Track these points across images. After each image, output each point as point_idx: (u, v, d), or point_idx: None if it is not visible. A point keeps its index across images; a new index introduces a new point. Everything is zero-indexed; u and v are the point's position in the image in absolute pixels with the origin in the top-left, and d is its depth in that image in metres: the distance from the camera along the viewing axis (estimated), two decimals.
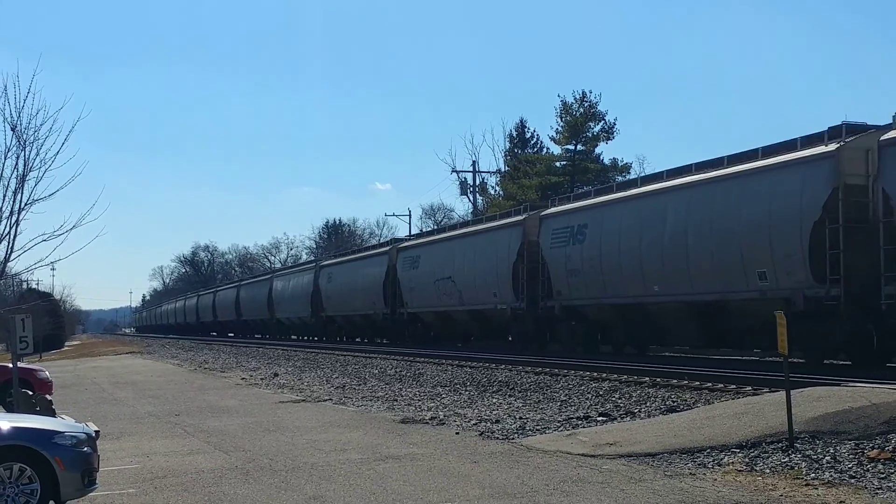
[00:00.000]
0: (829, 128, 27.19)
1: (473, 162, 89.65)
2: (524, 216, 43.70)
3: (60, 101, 38.73)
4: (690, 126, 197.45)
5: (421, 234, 64.42)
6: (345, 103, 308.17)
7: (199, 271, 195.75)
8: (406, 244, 59.40)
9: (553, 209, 41.55)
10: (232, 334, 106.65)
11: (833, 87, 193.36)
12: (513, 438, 17.00)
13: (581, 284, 37.38)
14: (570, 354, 35.85)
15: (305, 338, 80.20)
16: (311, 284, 73.88)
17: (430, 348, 46.59)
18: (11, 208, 18.93)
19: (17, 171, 19.25)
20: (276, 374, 37.14)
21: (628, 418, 18.80)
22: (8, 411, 18.68)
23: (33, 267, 25.85)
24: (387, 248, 61.97)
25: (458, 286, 48.23)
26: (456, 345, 50.93)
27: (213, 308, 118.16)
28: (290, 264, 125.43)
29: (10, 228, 18.79)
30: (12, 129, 19.30)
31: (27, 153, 19.49)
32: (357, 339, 69.39)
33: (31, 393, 21.95)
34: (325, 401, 25.90)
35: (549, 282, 39.77)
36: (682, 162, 33.04)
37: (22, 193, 19.36)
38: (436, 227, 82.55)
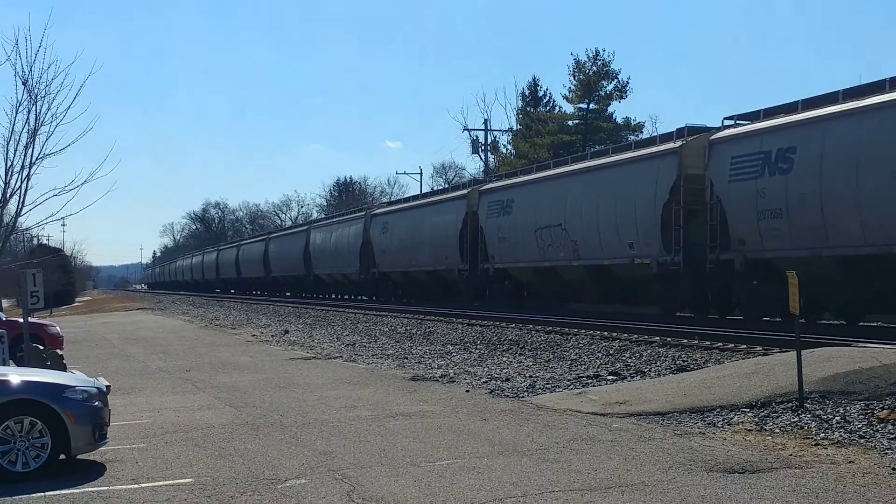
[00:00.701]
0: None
1: (485, 120, 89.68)
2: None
3: (72, 56, 38.68)
4: (703, 85, 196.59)
5: (509, 174, 52.87)
6: (357, 61, 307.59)
7: (209, 228, 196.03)
8: (491, 185, 49.20)
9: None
10: (257, 292, 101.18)
11: (848, 42, 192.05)
12: (523, 397, 17.02)
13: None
14: (545, 313, 37.46)
15: (351, 297, 71.64)
16: (360, 236, 64.81)
17: (528, 312, 37.73)
18: (23, 162, 18.90)
19: (29, 126, 19.23)
20: (286, 332, 37.22)
21: (638, 377, 18.81)
22: (19, 366, 18.73)
23: (44, 222, 25.96)
24: (464, 191, 52.27)
25: (573, 236, 38.76)
26: (566, 307, 41.55)
27: (236, 263, 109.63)
28: (325, 216, 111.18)
29: (22, 183, 18.82)
30: (24, 84, 19.28)
31: (38, 108, 19.46)
32: (415, 300, 56.61)
33: (41, 348, 22.03)
34: (336, 358, 25.95)
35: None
36: (694, 121, 34.09)
37: (33, 148, 19.34)
38: (403, 197, 77.05)
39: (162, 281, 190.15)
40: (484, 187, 49.33)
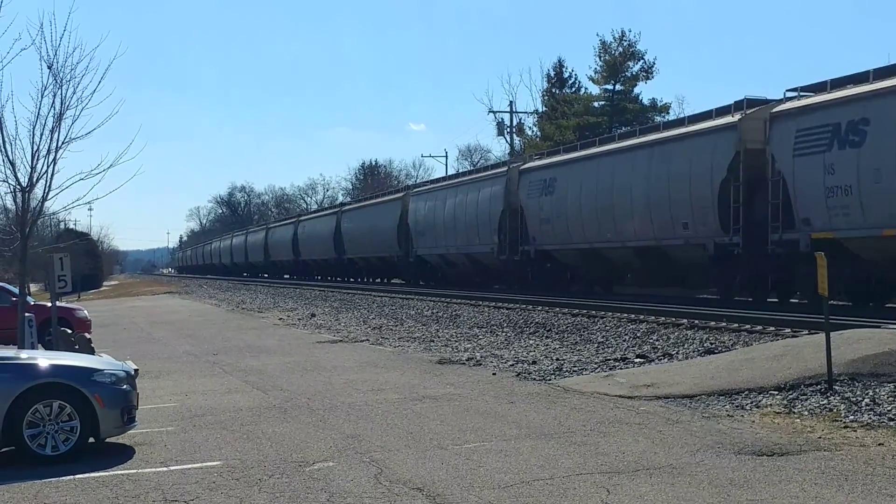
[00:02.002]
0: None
1: (510, 102, 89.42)
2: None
3: (97, 39, 38.76)
4: (731, 66, 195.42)
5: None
6: (381, 42, 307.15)
7: (235, 212, 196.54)
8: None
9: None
10: (287, 276, 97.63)
11: (876, 24, 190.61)
12: (549, 380, 17.00)
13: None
14: (595, 296, 37.55)
15: (386, 280, 70.58)
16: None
17: (568, 296, 37.47)
18: (49, 147, 18.85)
19: (55, 110, 19.13)
20: (313, 315, 37.31)
21: (665, 360, 18.77)
22: (47, 349, 18.85)
23: (71, 206, 26.09)
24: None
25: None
26: (609, 290, 40.86)
27: (265, 247, 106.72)
28: (354, 198, 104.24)
29: (48, 167, 18.74)
30: (49, 67, 19.18)
31: (64, 91, 19.36)
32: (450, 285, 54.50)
33: (70, 331, 22.17)
34: (362, 341, 26.00)
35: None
36: (721, 102, 33.86)
37: (59, 132, 19.28)
38: (444, 176, 72.23)
39: (190, 265, 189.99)
40: (524, 166, 46.57)
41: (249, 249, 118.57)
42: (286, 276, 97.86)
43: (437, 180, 65.58)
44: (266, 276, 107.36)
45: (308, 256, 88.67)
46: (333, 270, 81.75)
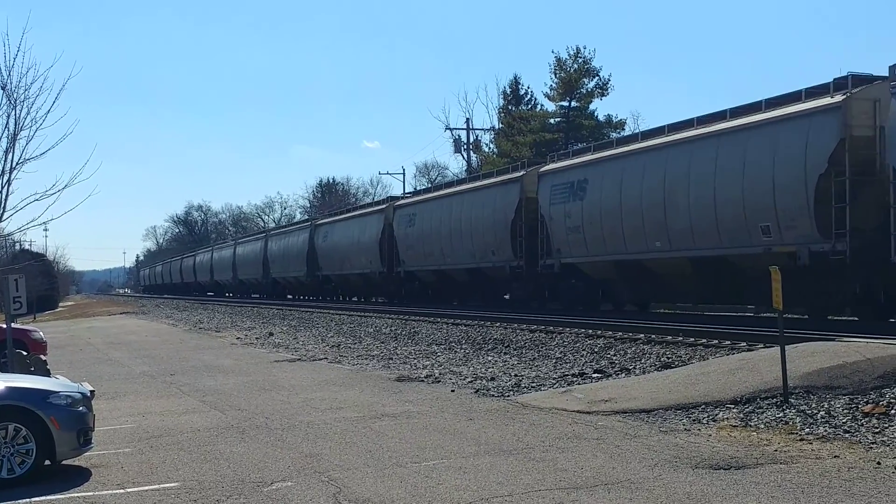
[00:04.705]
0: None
1: (467, 119, 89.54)
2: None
3: (51, 59, 38.51)
4: (686, 82, 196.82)
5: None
6: (337, 60, 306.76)
7: (192, 231, 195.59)
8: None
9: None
10: (256, 295, 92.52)
11: (833, 38, 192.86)
12: (508, 396, 17.03)
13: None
14: (569, 312, 35.23)
15: (369, 299, 65.38)
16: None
17: (510, 311, 37.36)
18: (3, 168, 18.82)
19: (8, 131, 19.13)
20: (271, 334, 37.17)
21: (623, 375, 18.85)
22: (2, 371, 18.65)
23: (26, 227, 25.87)
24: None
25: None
26: (645, 308, 38.41)
27: (233, 265, 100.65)
28: (331, 212, 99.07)
29: (2, 188, 18.71)
30: (2, 88, 19.21)
31: (18, 112, 19.37)
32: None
33: (25, 353, 21.95)
34: (321, 360, 25.93)
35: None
36: (677, 118, 32.00)
37: (13, 153, 19.25)
38: (430, 185, 75.97)
39: (150, 284, 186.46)
40: (544, 168, 41.28)
41: (216, 267, 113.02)
42: (254, 296, 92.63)
43: (429, 189, 61.60)
44: (230, 295, 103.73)
45: (279, 274, 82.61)
46: (306, 289, 77.22)
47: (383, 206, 60.02)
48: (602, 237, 35.40)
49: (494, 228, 43.70)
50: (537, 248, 40.00)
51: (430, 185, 69.76)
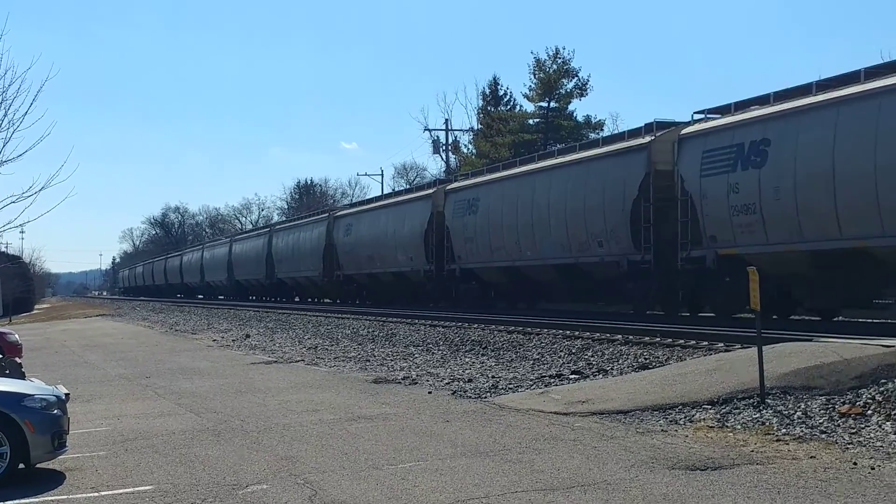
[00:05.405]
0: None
1: (446, 120, 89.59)
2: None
3: (29, 61, 38.30)
4: (664, 82, 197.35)
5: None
6: (315, 61, 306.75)
7: (169, 233, 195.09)
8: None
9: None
10: (222, 297, 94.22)
11: (806, 40, 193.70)
12: (485, 397, 17.00)
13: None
14: (511, 312, 38.86)
15: (315, 300, 69.51)
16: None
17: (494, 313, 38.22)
18: None
19: None
20: (247, 336, 37.04)
21: (600, 376, 18.84)
22: None
23: (2, 229, 25.63)
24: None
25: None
26: (534, 307, 42.20)
27: (200, 268, 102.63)
28: (287, 218, 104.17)
29: None
30: None
31: None
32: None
33: (0, 356, 21.77)
34: (297, 362, 25.85)
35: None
36: (660, 118, 34.05)
37: None
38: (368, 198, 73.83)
39: (128, 286, 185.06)
40: (450, 186, 49.00)
41: (185, 270, 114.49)
42: (220, 298, 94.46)
43: (363, 202, 66.55)
44: (201, 297, 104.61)
45: (242, 277, 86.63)
46: (266, 291, 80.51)
47: (429, 190, 52.66)
48: (490, 247, 42.72)
49: (412, 238, 50.96)
50: (444, 255, 47.60)
51: (365, 199, 71.61)
